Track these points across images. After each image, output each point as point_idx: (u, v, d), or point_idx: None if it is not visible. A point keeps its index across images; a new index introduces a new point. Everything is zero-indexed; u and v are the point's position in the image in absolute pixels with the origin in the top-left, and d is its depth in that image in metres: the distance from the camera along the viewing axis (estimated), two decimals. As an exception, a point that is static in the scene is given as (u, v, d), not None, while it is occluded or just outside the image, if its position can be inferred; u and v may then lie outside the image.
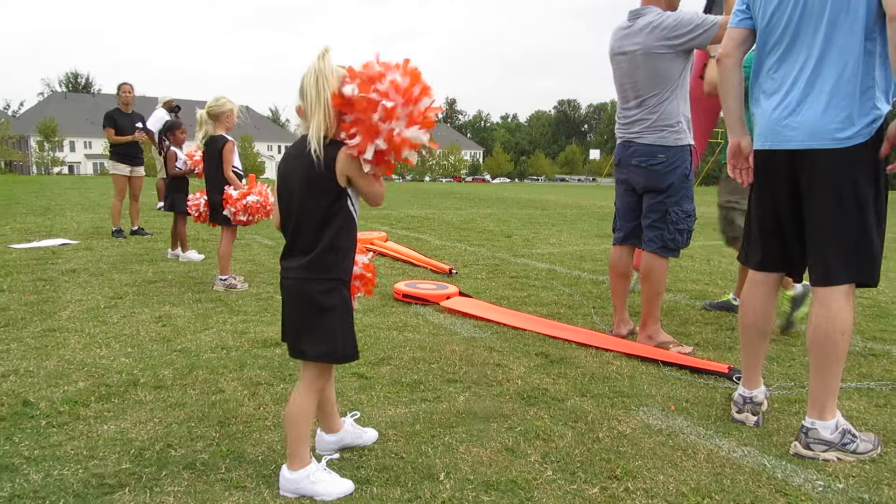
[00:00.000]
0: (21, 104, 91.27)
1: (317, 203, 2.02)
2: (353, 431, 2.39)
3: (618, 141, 3.90)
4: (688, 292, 5.39)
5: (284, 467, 2.09)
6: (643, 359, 3.49)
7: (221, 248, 5.17)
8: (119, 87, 8.50)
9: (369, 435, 2.43)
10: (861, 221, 2.35)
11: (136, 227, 8.47)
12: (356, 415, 2.48)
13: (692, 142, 3.73)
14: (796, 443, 2.42)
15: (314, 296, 2.03)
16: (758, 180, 2.63)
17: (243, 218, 5.08)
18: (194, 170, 6.22)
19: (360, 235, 6.84)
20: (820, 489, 2.15)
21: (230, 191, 5.07)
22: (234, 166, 5.15)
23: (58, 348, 3.48)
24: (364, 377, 3.11)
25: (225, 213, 5.09)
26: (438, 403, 2.82)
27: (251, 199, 5.04)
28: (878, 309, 4.87)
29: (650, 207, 3.73)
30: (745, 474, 2.23)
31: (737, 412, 2.70)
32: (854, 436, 2.40)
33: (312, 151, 1.94)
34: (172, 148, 6.66)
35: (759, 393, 2.69)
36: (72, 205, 13.24)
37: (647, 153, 3.67)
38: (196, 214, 5.49)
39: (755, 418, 2.65)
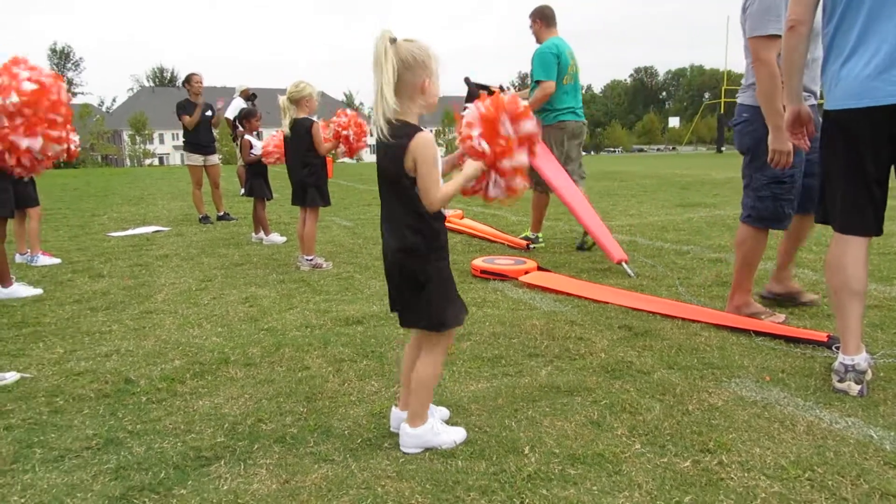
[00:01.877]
0: (114, 100, 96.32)
1: (395, 184, 2.08)
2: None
3: None
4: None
5: (406, 426, 2.19)
6: (734, 329, 3.34)
7: (306, 229, 5.29)
8: (189, 78, 8.68)
9: (441, 413, 2.43)
10: None
11: (221, 213, 8.78)
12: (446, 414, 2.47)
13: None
14: None
15: (410, 273, 2.12)
16: (840, 141, 2.51)
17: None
18: (266, 159, 6.43)
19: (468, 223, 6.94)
20: (935, 463, 2.00)
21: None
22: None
23: (154, 329, 3.66)
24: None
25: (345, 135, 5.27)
26: (520, 378, 2.79)
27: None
28: None
29: (742, 172, 3.53)
30: (849, 446, 2.11)
31: (838, 381, 2.55)
32: None
33: (385, 135, 2.02)
34: (247, 136, 6.84)
35: (861, 360, 2.53)
36: (163, 194, 13.89)
37: (738, 112, 3.48)
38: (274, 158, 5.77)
39: (858, 387, 2.50)
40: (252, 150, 6.70)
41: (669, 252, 5.68)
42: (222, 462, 2.14)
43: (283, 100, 5.03)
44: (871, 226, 2.53)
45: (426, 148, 2.00)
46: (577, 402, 2.53)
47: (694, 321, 3.50)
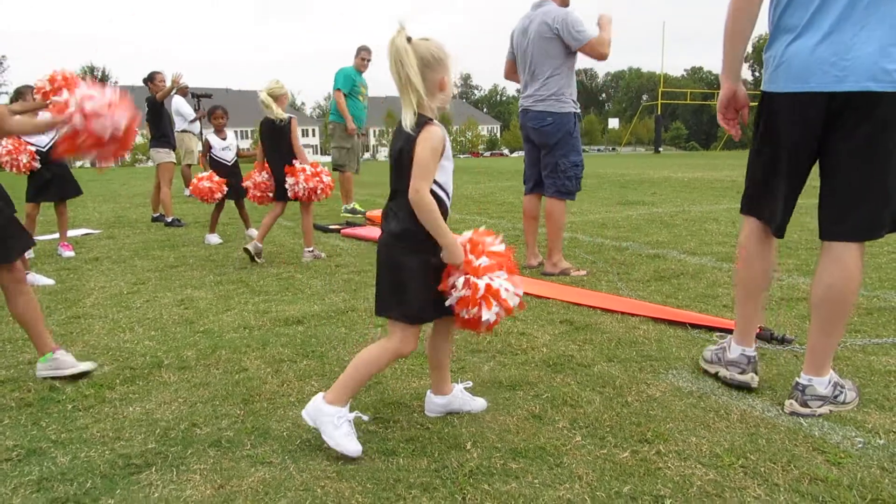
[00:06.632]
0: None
1: (406, 171, 2.07)
2: (462, 398, 2.41)
3: (520, 108, 4.81)
4: (714, 255, 5.28)
5: (320, 395, 2.14)
6: (671, 322, 3.42)
7: (305, 222, 5.48)
8: (153, 76, 8.32)
9: (478, 403, 2.43)
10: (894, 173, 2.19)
11: (157, 215, 8.48)
12: (469, 384, 2.47)
13: (577, 110, 4.66)
14: (792, 401, 2.34)
15: (395, 258, 2.12)
16: (780, 126, 2.31)
17: (302, 194, 5.27)
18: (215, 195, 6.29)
19: (377, 213, 7.03)
20: (860, 446, 2.08)
21: (300, 165, 5.28)
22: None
23: (83, 334, 3.50)
24: (387, 351, 3.07)
25: (288, 184, 5.27)
26: (463, 374, 2.78)
27: (321, 180, 5.31)
28: (913, 263, 4.73)
29: (544, 162, 4.69)
30: (780, 433, 2.17)
31: (739, 373, 2.55)
32: (842, 386, 2.37)
33: (406, 128, 2.05)
34: (207, 136, 6.64)
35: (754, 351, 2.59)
36: (93, 196, 13.36)
37: (538, 118, 4.61)
38: (259, 195, 5.58)
39: (757, 377, 2.55)
40: (212, 151, 6.47)
41: (609, 248, 5.78)
42: (153, 469, 2.05)
43: (265, 96, 5.07)
44: (776, 214, 2.42)
45: (431, 137, 2.03)
46: (519, 396, 2.54)
47: (633, 315, 3.56)
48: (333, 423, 2.09)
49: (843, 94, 2.14)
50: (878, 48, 2.08)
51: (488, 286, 2.10)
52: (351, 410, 2.15)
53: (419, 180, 2.03)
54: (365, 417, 2.23)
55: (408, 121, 2.05)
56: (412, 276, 2.11)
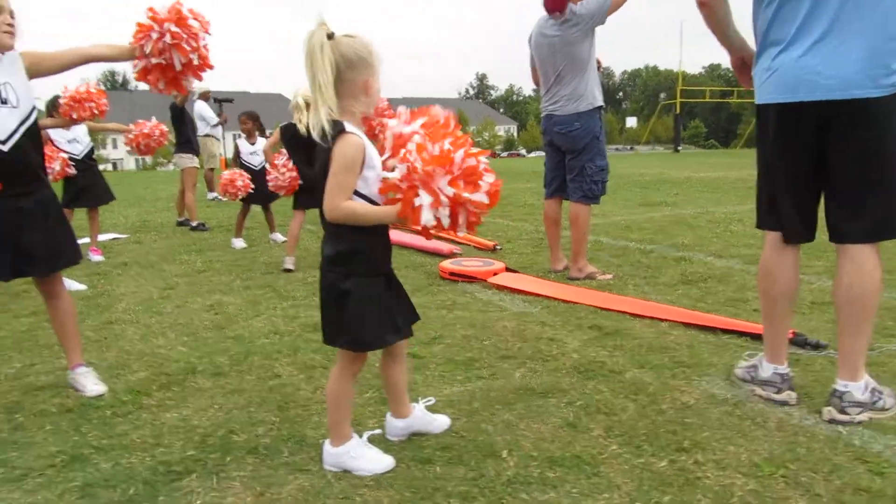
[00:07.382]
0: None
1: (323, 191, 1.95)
2: (423, 418, 2.32)
3: (542, 114, 4.82)
4: (741, 258, 5.24)
5: (327, 442, 2.12)
6: (701, 327, 3.39)
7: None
8: None
9: (440, 422, 2.35)
10: None
11: (182, 219, 8.57)
12: (430, 401, 2.41)
13: (601, 102, 4.63)
14: (830, 408, 2.32)
15: (332, 285, 2.01)
16: (772, 137, 2.39)
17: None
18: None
19: None
20: (901, 455, 2.05)
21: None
22: None
23: (117, 340, 3.55)
24: (417, 356, 3.09)
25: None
26: (494, 380, 2.79)
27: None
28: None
29: (570, 165, 4.67)
30: (819, 442, 2.15)
31: (775, 393, 2.49)
32: (880, 392, 2.35)
33: (316, 137, 1.91)
34: (236, 141, 6.73)
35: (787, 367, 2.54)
36: (118, 200, 13.48)
37: (566, 122, 4.58)
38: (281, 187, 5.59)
39: (796, 395, 2.49)
40: (241, 156, 6.55)
41: (634, 251, 5.76)
42: (194, 476, 2.08)
43: (300, 100, 4.86)
44: (795, 226, 2.43)
45: (344, 150, 1.88)
46: (552, 403, 2.54)
47: (662, 320, 3.54)
48: (352, 456, 2.08)
49: (832, 103, 2.20)
50: (862, 56, 2.15)
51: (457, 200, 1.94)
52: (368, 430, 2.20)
53: (333, 197, 1.89)
54: (377, 432, 2.25)
55: (317, 130, 1.88)
56: (352, 303, 1.97)
